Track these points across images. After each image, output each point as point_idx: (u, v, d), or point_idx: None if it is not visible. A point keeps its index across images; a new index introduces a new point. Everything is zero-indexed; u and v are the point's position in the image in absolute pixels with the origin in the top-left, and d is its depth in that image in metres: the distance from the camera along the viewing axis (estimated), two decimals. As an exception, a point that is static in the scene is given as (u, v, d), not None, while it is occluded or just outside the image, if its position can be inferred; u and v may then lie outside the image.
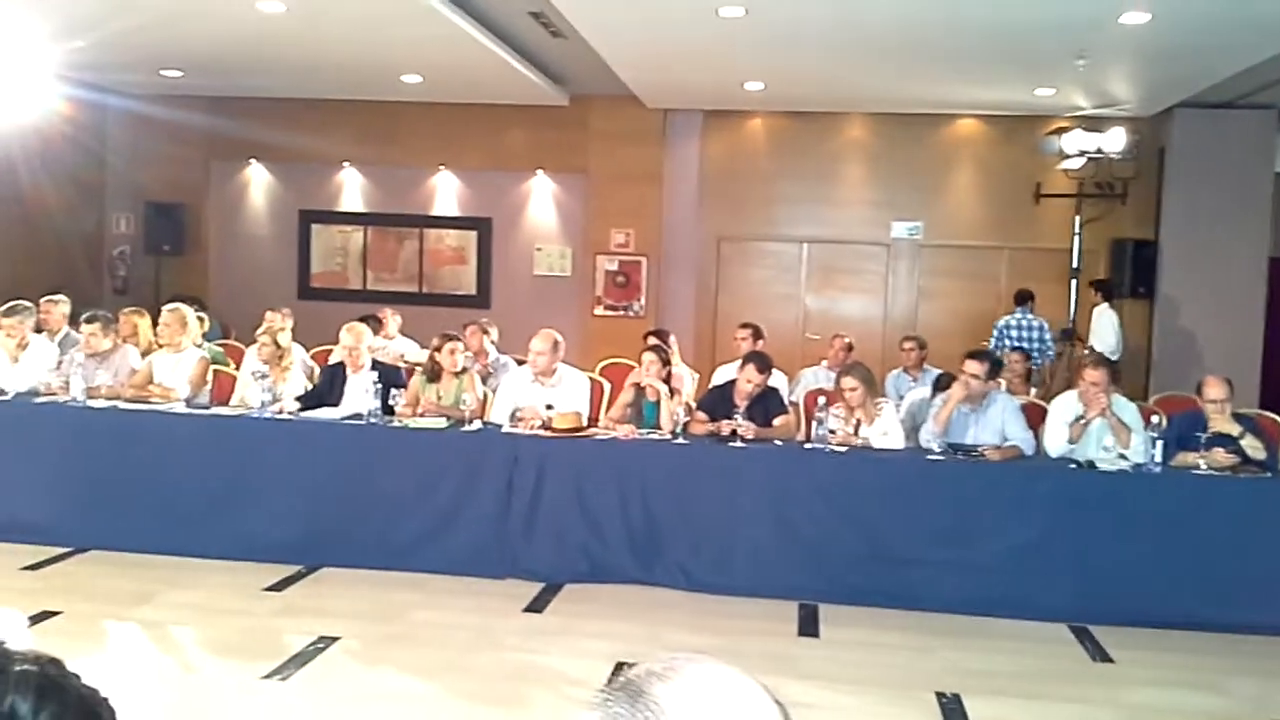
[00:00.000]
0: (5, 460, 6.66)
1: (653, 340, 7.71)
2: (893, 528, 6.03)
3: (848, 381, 6.41)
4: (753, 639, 5.41)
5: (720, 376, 7.64)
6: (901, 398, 7.48)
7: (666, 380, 6.67)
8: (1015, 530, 5.94)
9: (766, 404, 6.50)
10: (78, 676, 1.10)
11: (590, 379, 7.22)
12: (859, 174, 12.11)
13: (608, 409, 7.14)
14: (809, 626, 5.68)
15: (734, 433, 6.23)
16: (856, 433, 6.33)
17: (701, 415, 6.49)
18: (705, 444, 6.28)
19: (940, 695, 4.80)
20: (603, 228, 12.13)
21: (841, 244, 12.14)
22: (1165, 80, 9.48)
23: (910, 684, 4.98)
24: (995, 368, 6.54)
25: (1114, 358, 9.96)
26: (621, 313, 12.08)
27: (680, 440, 6.26)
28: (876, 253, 12.11)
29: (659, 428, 6.49)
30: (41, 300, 7.89)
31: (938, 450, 6.18)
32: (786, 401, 6.88)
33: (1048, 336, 10.08)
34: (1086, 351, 10.02)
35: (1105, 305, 10.65)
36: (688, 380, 7.93)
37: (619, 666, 4.91)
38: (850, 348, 8.41)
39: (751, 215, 12.17)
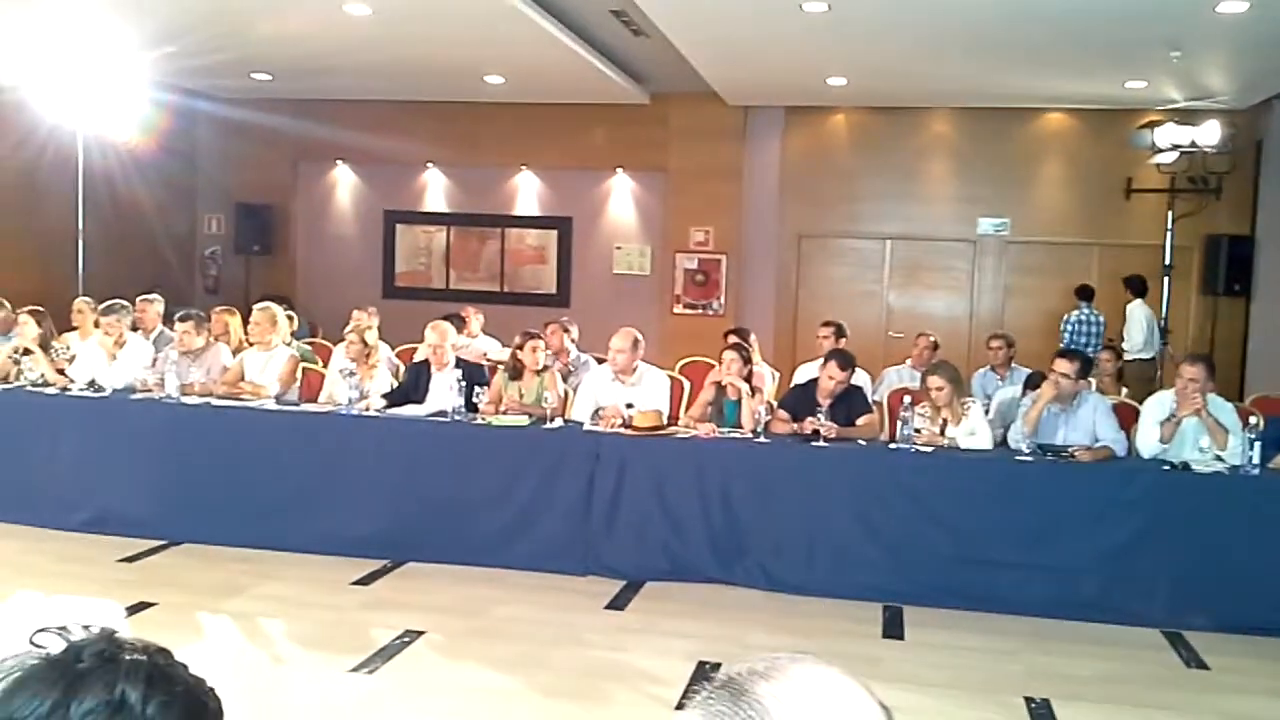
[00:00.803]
0: (103, 455, 6.86)
1: (733, 339, 7.67)
2: (980, 529, 5.93)
3: (934, 380, 6.31)
4: (836, 640, 5.36)
5: (802, 375, 7.58)
6: (989, 397, 7.35)
7: (748, 379, 6.64)
8: (1107, 533, 5.80)
9: (850, 403, 6.43)
10: (185, 666, 1.11)
11: (670, 377, 7.21)
12: (944, 169, 11.93)
13: (688, 408, 7.13)
14: (893, 628, 5.61)
15: (816, 432, 6.18)
16: (942, 433, 6.23)
17: (783, 414, 6.45)
18: (787, 443, 6.24)
19: (1029, 700, 4.71)
20: (682, 226, 12.12)
21: (926, 240, 11.98)
22: (1263, 71, 9.18)
23: (998, 688, 4.89)
24: (1086, 367, 6.39)
25: (1146, 355, 9.85)
26: (700, 311, 12.06)
27: (762, 439, 6.22)
28: (962, 249, 11.92)
29: (740, 427, 6.46)
30: (137, 299, 8.12)
31: (1026, 451, 6.05)
32: (870, 401, 6.80)
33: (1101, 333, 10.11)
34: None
35: (1138, 302, 10.45)
36: (768, 379, 7.88)
37: (701, 666, 4.91)
38: (935, 346, 8.28)
39: (833, 212, 12.06)
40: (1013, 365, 8.34)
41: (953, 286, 12.00)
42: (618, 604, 5.83)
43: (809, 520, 6.07)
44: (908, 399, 6.35)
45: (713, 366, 7.24)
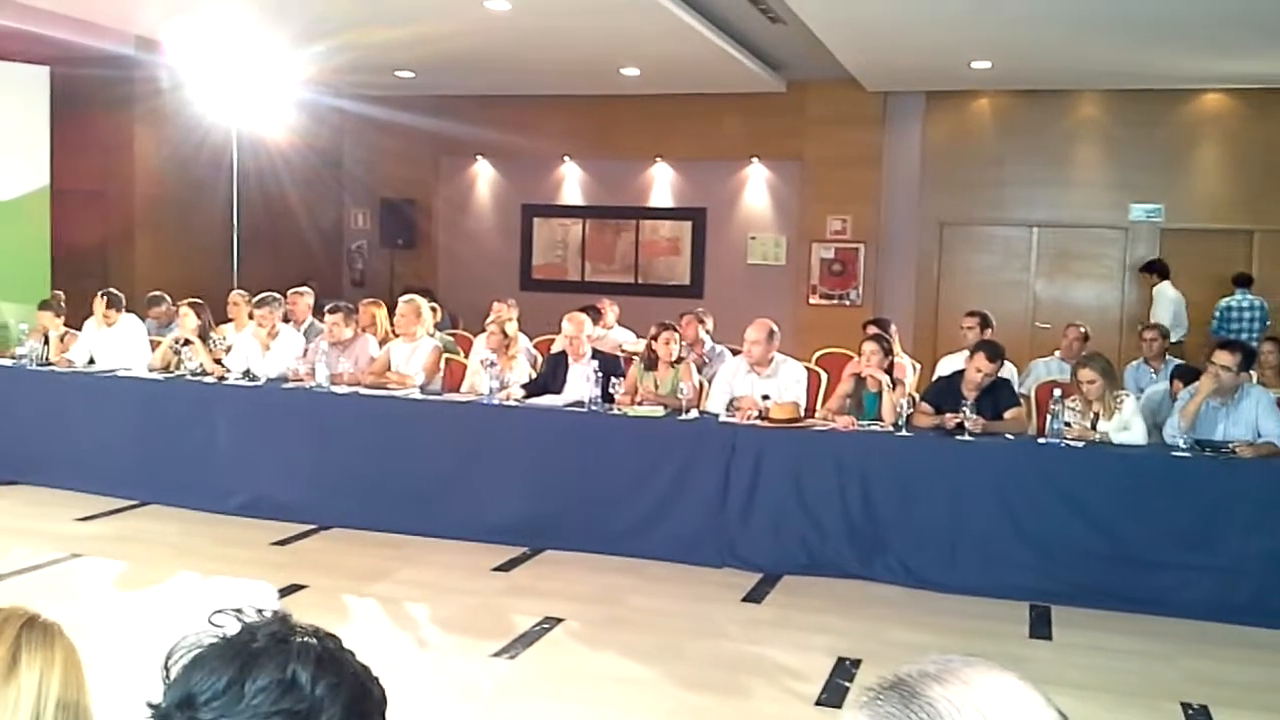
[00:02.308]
0: (257, 442, 7.13)
1: (873, 329, 7.53)
2: (1133, 528, 5.69)
3: (1086, 373, 6.08)
4: (980, 640, 5.22)
5: (944, 367, 7.41)
6: (1141, 390, 7.05)
7: (889, 370, 6.51)
8: (1270, 533, 5.50)
9: (996, 396, 6.25)
10: (352, 653, 1.14)
11: (807, 369, 7.13)
12: (1093, 154, 11.49)
13: (825, 400, 7.04)
14: (1040, 628, 5.43)
15: (961, 425, 6.02)
16: (1094, 427, 6.00)
17: (926, 407, 6.30)
18: (930, 436, 6.10)
19: (1186, 706, 4.50)
20: (819, 215, 11.96)
21: (1075, 228, 11.55)
22: None
23: (1151, 692, 4.70)
24: (1248, 358, 6.07)
25: (1174, 339, 9.48)
26: (837, 301, 11.89)
27: (904, 433, 6.09)
28: (1113, 237, 11.46)
29: (880, 419, 6.34)
30: (289, 293, 8.41)
31: (1184, 447, 5.79)
32: (1017, 393, 6.59)
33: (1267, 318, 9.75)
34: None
35: (1166, 284, 10.29)
36: (909, 371, 7.72)
37: (840, 662, 4.84)
38: (1086, 337, 7.99)
39: (977, 199, 11.74)
40: (1167, 357, 7.99)
41: (1103, 275, 11.55)
42: (754, 597, 5.79)
43: (952, 515, 5.92)
44: (1057, 392, 6.15)
45: (850, 358, 7.13)
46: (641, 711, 4.36)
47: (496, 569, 6.16)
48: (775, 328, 6.73)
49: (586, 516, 6.45)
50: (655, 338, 6.94)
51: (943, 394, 6.37)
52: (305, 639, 1.11)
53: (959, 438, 6.00)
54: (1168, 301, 10.25)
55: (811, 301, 12.00)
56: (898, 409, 6.16)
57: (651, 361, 6.93)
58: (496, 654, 4.87)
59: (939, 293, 11.88)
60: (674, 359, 6.89)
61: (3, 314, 9.32)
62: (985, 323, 7.87)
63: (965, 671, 0.93)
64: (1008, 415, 6.19)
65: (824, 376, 7.54)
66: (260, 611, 1.15)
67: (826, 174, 11.76)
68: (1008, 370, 6.95)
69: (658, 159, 12.76)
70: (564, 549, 6.41)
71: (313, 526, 6.82)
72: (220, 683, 1.05)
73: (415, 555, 6.38)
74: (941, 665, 0.94)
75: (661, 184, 12.89)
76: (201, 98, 9.82)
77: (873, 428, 6.25)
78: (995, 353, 6.31)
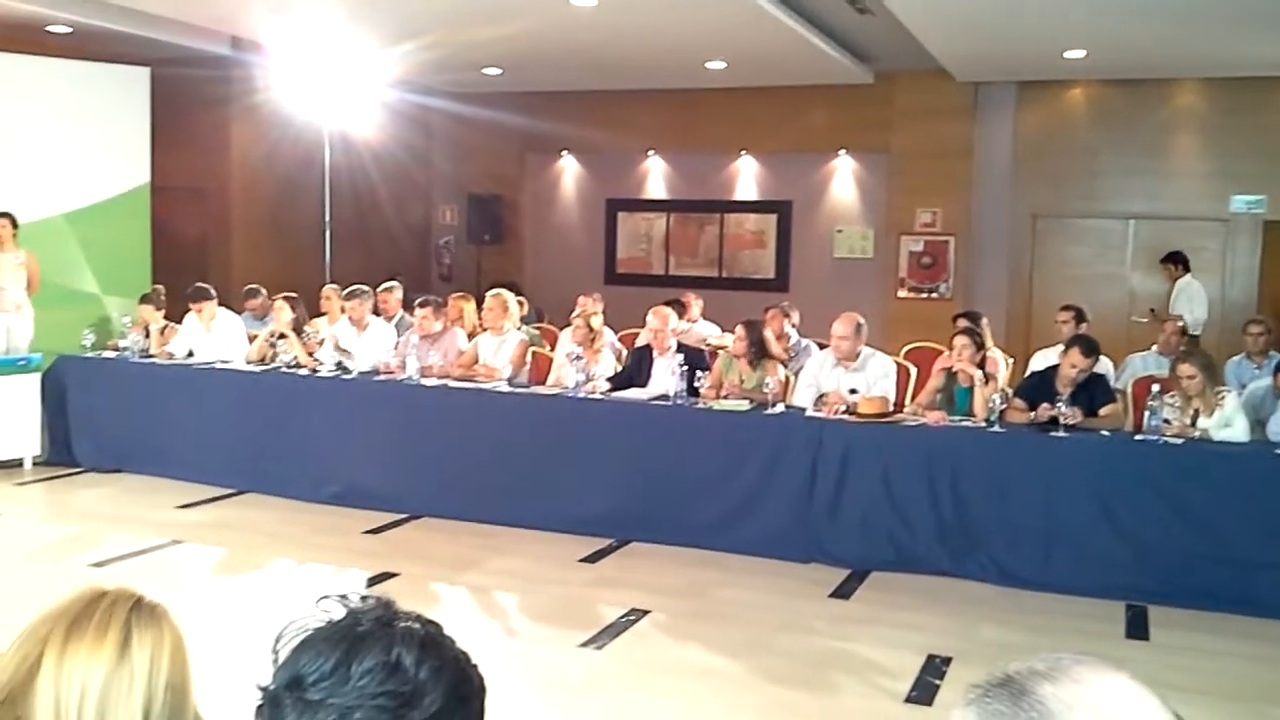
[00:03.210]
0: (349, 433, 7.27)
1: (964, 323, 7.42)
2: (1235, 527, 5.52)
3: (1185, 368, 5.92)
4: (1075, 639, 5.10)
5: (1038, 362, 7.27)
6: (1243, 386, 6.83)
7: (980, 365, 6.41)
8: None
9: (1091, 391, 6.11)
10: (453, 640, 1.16)
11: (896, 363, 7.04)
12: (1192, 144, 11.16)
13: (915, 394, 6.95)
14: (1137, 629, 5.30)
15: (1054, 420, 5.90)
16: (1193, 424, 5.84)
17: (1019, 402, 6.19)
18: (1023, 432, 5.99)
19: (1293, 713, 4.36)
20: (907, 207, 11.81)
21: (1173, 220, 11.22)
22: None
23: (1255, 696, 4.56)
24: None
25: (1196, 331, 9.39)
26: (926, 295, 11.72)
27: (996, 428, 5.99)
28: (1213, 229, 11.12)
29: (972, 415, 6.24)
30: (379, 289, 8.57)
31: (1289, 444, 5.60)
32: (1113, 389, 6.44)
33: None
34: None
35: (1188, 277, 10.21)
36: (1001, 365, 7.59)
37: (931, 659, 4.78)
38: (1184, 332, 7.77)
39: (1070, 190, 11.48)
40: (1270, 353, 7.72)
41: (1202, 268, 11.16)
42: (842, 592, 5.74)
43: (1046, 513, 5.80)
44: (1155, 387, 5.98)
45: (940, 352, 7.02)
46: (729, 705, 4.36)
47: (583, 560, 6.20)
48: (862, 321, 6.66)
49: (672, 510, 6.46)
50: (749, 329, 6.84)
51: (1036, 389, 6.25)
52: (409, 624, 1.13)
53: (1053, 434, 5.88)
54: (1193, 295, 10.11)
55: (900, 295, 11.85)
56: (990, 404, 6.06)
57: (761, 352, 6.81)
58: (584, 644, 4.91)
59: (1032, 286, 11.64)
60: (750, 356, 6.80)
61: (106, 307, 9.64)
62: (1080, 317, 7.70)
63: (1077, 670, 0.91)
64: (1103, 411, 6.05)
65: (913, 371, 7.44)
66: (364, 598, 1.17)
67: (915, 166, 11.60)
68: (1103, 365, 6.79)
69: (743, 152, 12.71)
70: (650, 541, 6.43)
71: (403, 516, 6.94)
72: (327, 664, 1.08)
73: (504, 545, 6.45)
74: (1051, 663, 0.93)
75: (746, 177, 12.83)
76: (294, 97, 10.03)
77: (964, 423, 6.15)
78: (1091, 348, 6.17)
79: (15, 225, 8.81)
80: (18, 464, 7.92)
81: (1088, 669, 0.92)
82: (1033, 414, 6.05)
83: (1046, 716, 0.88)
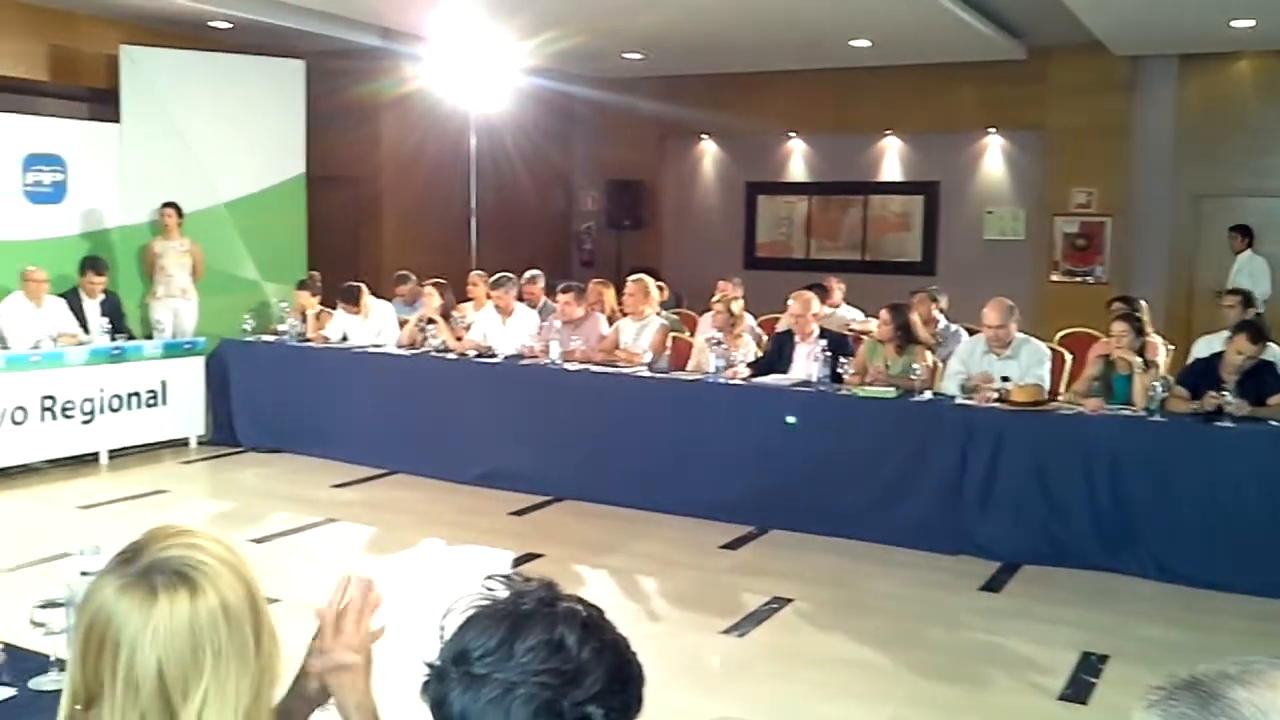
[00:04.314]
0: (494, 416, 7.41)
1: (1121, 307, 7.12)
2: None
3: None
4: (1241, 640, 4.86)
5: (1201, 348, 6.93)
6: None
7: (1140, 351, 6.13)
8: None
9: (1260, 380, 5.77)
10: (613, 624, 1.16)
11: (1050, 349, 6.80)
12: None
13: (1069, 382, 6.70)
14: (1312, 632, 5.01)
15: (1220, 410, 5.61)
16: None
17: (1181, 390, 5.90)
18: (1186, 422, 5.71)
19: None
20: (1061, 187, 11.39)
21: (1348, 198, 10.55)
22: None
23: None
24: None
25: (1260, 309, 8.75)
26: (1081, 279, 11.30)
27: (1157, 417, 5.72)
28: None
29: (1131, 403, 5.98)
30: (524, 277, 8.70)
31: None
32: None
33: None
34: None
35: (1249, 252, 10.02)
36: (1161, 352, 7.26)
37: (1086, 656, 4.61)
38: (1246, 306, 7.28)
39: (1237, 169, 10.87)
40: None
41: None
42: (993, 585, 5.58)
43: (1211, 507, 5.52)
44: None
45: (1096, 338, 6.78)
46: (876, 696, 4.29)
47: (724, 546, 6.18)
48: (1014, 306, 6.45)
49: (815, 498, 6.38)
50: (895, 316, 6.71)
51: (1200, 377, 5.95)
52: (571, 605, 1.16)
53: (1218, 423, 5.59)
54: (1257, 270, 9.89)
55: (1053, 278, 11.44)
56: (1150, 392, 5.79)
57: (909, 335, 6.65)
58: (725, 631, 4.89)
59: (1195, 269, 11.09)
60: (896, 341, 6.65)
61: (265, 293, 10.04)
62: (1248, 301, 7.32)
63: (1273, 675, 0.85)
64: (1272, 401, 5.71)
65: (1068, 358, 7.18)
66: (527, 578, 1.19)
67: (1070, 144, 11.17)
68: (1272, 352, 6.42)
69: (888, 132, 12.45)
70: (791, 529, 6.37)
71: (546, 498, 7.03)
72: (492, 641, 1.10)
73: (644, 529, 6.48)
74: (1244, 667, 0.87)
75: (892, 158, 12.57)
76: (441, 86, 10.25)
77: (1123, 412, 5.90)
78: (1259, 334, 5.85)
79: (181, 214, 9.25)
80: (184, 443, 8.32)
81: None
82: (1196, 403, 5.76)
83: None
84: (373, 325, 8.40)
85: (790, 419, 6.45)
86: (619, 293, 8.27)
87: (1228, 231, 10.27)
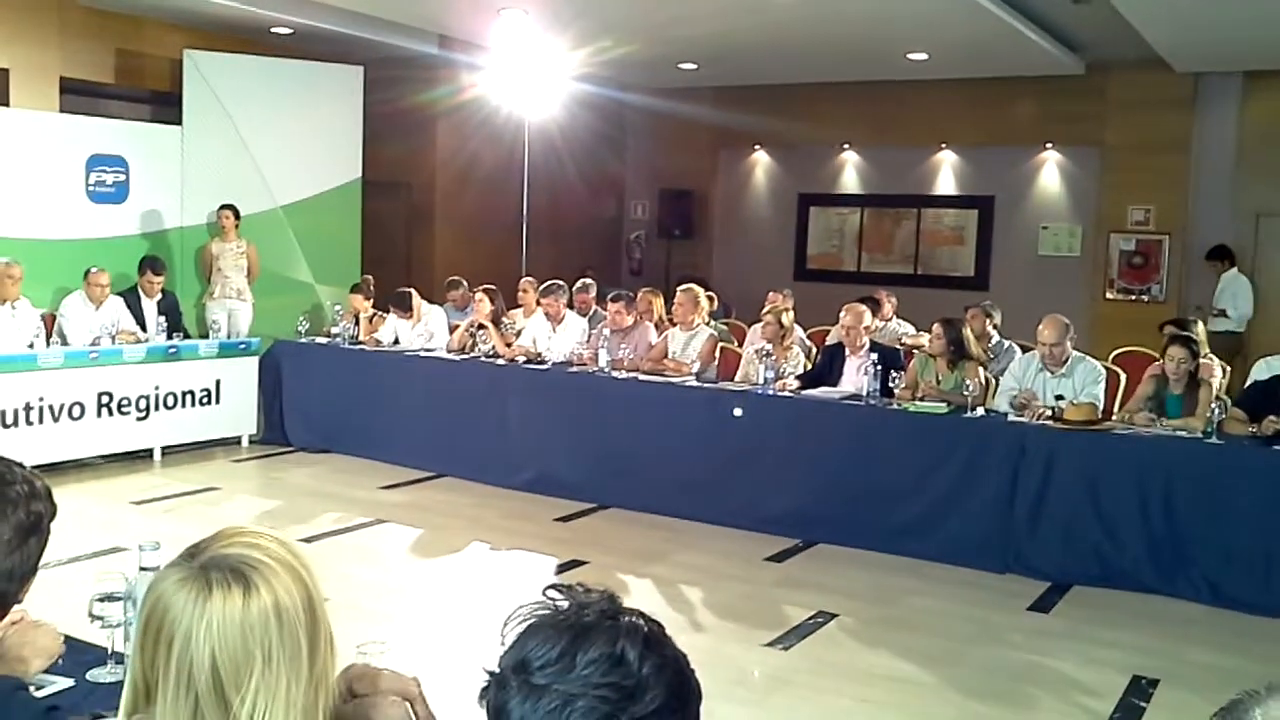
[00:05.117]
0: (543, 422, 7.44)
1: (1172, 329, 7.02)
2: None
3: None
4: (1299, 669, 4.76)
5: (1260, 370, 6.79)
6: None
7: (1194, 373, 6.03)
8: None
9: (1323, 404, 5.67)
10: (672, 640, 1.16)
11: (1105, 368, 6.71)
12: None
13: (1124, 401, 6.61)
14: (1373, 663, 4.90)
15: (1279, 434, 5.50)
16: None
17: (1239, 413, 5.80)
18: (1244, 445, 5.61)
19: None
20: (1119, 204, 11.25)
21: None
22: None
23: None
24: None
25: (1239, 328, 9.38)
26: (1137, 297, 11.14)
27: (1213, 440, 5.63)
28: None
29: (1186, 425, 5.88)
30: (575, 286, 8.73)
31: None
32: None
33: None
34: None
35: (1234, 271, 10.18)
36: (1217, 373, 7.14)
37: (1136, 680, 4.54)
38: None
39: (1301, 188, 10.68)
40: None
41: None
42: (1041, 606, 5.51)
43: (1267, 531, 5.41)
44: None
45: (1152, 358, 6.67)
46: (921, 714, 4.25)
47: (769, 559, 6.16)
48: (1069, 324, 6.38)
49: (862, 512, 6.33)
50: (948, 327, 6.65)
51: (1259, 399, 5.85)
52: (632, 619, 1.15)
53: (1277, 447, 5.49)
54: (1240, 290, 10.08)
55: (1108, 296, 11.29)
56: (1208, 414, 5.70)
57: (961, 350, 6.60)
58: (769, 644, 4.87)
59: (1255, 290, 10.88)
60: (948, 357, 6.59)
61: (319, 296, 10.16)
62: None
63: None
64: (1337, 426, 5.60)
65: (1123, 377, 7.08)
66: (587, 589, 1.19)
67: (1129, 161, 11.03)
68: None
69: (943, 146, 12.37)
70: (837, 544, 6.34)
71: (592, 505, 7.05)
72: (553, 652, 1.10)
73: (689, 540, 6.47)
74: (1272, 686, 0.89)
75: (946, 171, 12.49)
76: (496, 94, 10.32)
77: (1179, 433, 5.81)
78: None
79: (238, 216, 9.38)
80: (235, 441, 8.44)
81: None
82: (1254, 426, 5.66)
83: None
84: (424, 329, 8.47)
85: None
86: (668, 302, 8.28)
87: (1205, 259, 10.52)
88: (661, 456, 6.95)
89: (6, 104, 8.96)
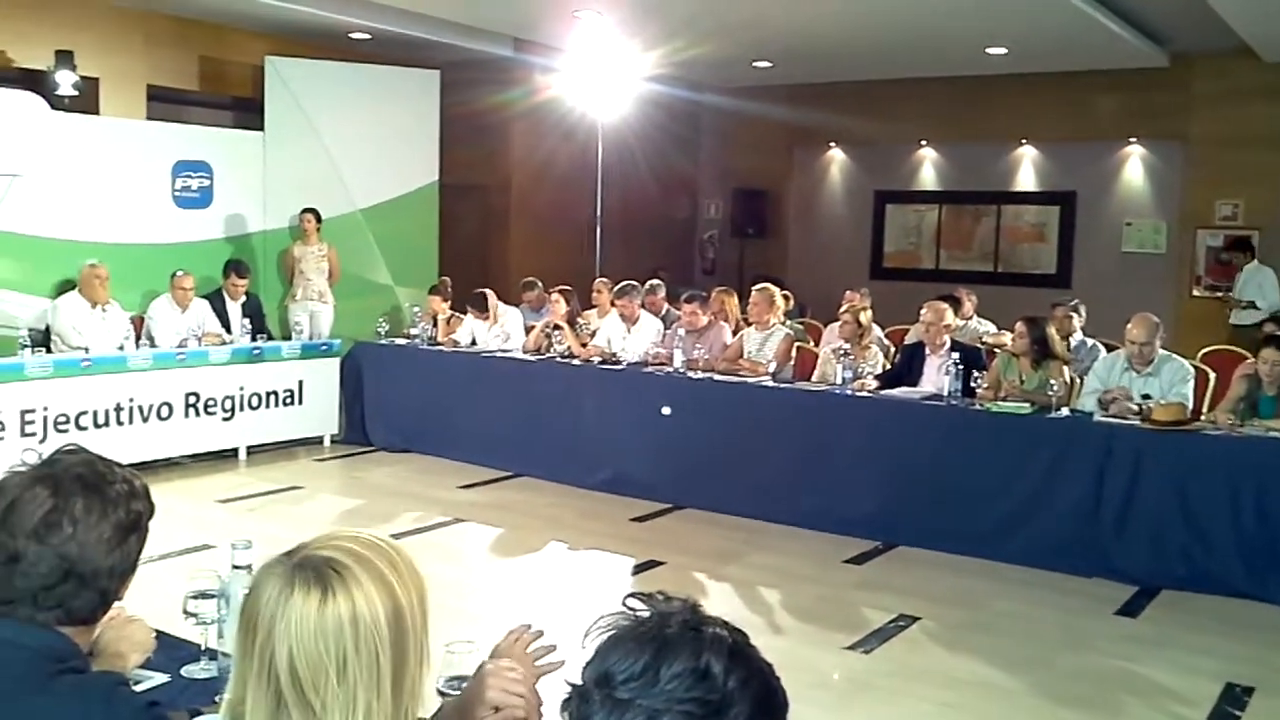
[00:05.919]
0: (618, 422, 7.45)
1: (1271, 327, 6.80)
2: None
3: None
4: (1404, 679, 4.59)
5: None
6: None
7: (1289, 372, 5.84)
8: None
9: None
10: (758, 651, 1.13)
11: (1195, 367, 6.53)
12: None
13: (1213, 402, 6.42)
14: None
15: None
16: None
17: (1337, 413, 5.61)
18: (1342, 446, 5.42)
19: None
20: (1205, 199, 10.95)
21: None
22: None
23: None
24: None
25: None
26: (1225, 294, 10.83)
27: (1310, 441, 5.46)
28: None
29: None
30: (645, 287, 8.72)
31: None
32: None
33: None
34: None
35: (1255, 263, 9.85)
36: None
37: (1229, 688, 4.41)
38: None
39: (1400, 180, 10.30)
40: None
41: None
42: (1129, 610, 5.38)
43: (1369, 537, 5.24)
44: None
45: (1243, 357, 6.48)
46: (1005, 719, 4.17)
47: (848, 561, 6.10)
48: (1159, 323, 6.22)
49: (943, 515, 6.24)
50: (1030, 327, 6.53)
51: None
52: (716, 630, 1.11)
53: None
54: (1267, 281, 9.79)
55: (1195, 294, 11.01)
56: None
57: (1045, 349, 6.47)
58: (849, 647, 4.82)
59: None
60: (1031, 356, 6.46)
61: (398, 297, 10.29)
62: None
63: None
64: None
65: (1212, 376, 6.88)
66: (669, 598, 1.16)
67: (1216, 155, 10.73)
68: None
69: (1023, 141, 12.16)
70: (918, 546, 6.24)
71: (668, 505, 7.04)
72: (637, 665, 1.07)
73: (766, 541, 6.43)
74: None
75: (1026, 167, 12.27)
76: (570, 95, 10.36)
77: (1272, 434, 5.63)
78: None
79: (319, 220, 9.54)
80: (318, 441, 8.58)
81: None
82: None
83: None
84: (500, 330, 8.53)
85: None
86: (742, 301, 8.23)
87: (1224, 253, 10.39)
88: (737, 456, 6.91)
89: (96, 112, 9.22)
